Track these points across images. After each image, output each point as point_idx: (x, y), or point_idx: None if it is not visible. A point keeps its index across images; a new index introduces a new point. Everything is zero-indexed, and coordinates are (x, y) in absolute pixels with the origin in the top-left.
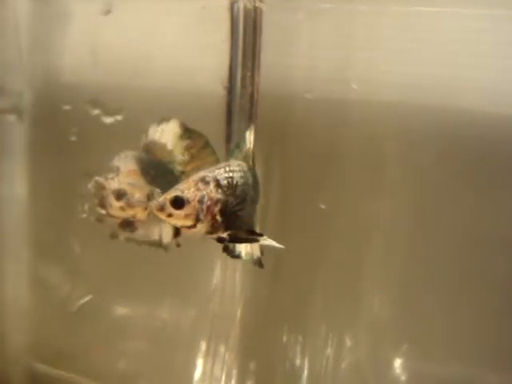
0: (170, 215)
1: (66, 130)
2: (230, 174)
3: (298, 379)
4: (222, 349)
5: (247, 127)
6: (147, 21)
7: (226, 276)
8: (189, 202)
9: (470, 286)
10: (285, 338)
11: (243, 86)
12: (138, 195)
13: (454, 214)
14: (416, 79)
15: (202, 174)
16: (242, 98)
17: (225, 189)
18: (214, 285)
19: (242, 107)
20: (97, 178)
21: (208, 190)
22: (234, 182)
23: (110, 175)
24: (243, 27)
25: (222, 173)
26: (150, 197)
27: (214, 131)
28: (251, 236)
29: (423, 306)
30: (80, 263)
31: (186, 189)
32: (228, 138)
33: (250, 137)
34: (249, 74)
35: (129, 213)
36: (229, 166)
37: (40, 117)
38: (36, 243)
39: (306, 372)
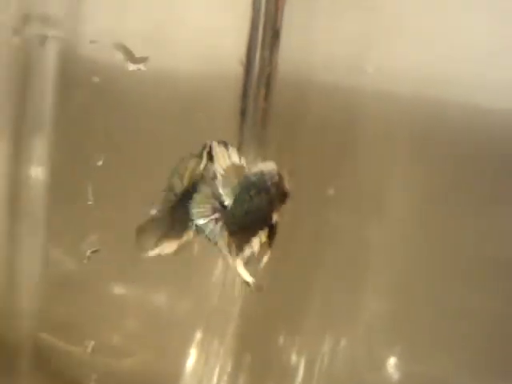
0: None
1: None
2: None
3: (293, 376)
4: (216, 341)
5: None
6: None
7: (227, 273)
8: None
9: (473, 290)
10: (281, 336)
11: (261, 66)
12: None
13: (466, 218)
14: (438, 71)
15: None
16: (260, 77)
17: None
18: (213, 280)
19: (258, 85)
20: None
21: None
22: None
23: None
24: (265, 5)
25: None
26: None
27: (228, 107)
28: None
29: (422, 307)
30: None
31: None
32: (243, 111)
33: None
34: (267, 53)
35: None
36: None
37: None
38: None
39: (301, 370)
